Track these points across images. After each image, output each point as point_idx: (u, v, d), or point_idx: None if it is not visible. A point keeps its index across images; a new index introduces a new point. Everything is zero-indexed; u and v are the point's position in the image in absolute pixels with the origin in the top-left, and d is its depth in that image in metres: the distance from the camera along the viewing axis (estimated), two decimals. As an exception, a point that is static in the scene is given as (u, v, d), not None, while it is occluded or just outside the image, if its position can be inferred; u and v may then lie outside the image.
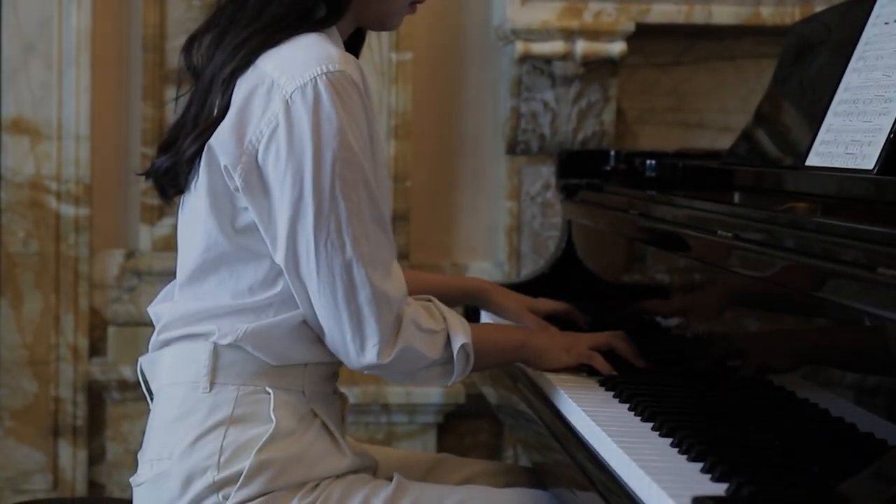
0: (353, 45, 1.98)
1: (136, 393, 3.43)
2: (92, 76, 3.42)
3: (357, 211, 1.78)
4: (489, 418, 3.49)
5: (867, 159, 1.92)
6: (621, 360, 2.07)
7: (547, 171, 3.42)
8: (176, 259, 3.38)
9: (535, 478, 2.04)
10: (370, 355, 1.80)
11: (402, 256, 3.38)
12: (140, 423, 3.32)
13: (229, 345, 1.83)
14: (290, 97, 1.76)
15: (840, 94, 2.10)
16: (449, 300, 2.08)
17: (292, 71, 1.77)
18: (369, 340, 1.80)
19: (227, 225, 1.83)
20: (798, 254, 1.60)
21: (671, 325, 2.18)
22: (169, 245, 3.46)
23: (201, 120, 1.84)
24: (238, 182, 1.80)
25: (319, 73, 1.76)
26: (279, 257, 1.81)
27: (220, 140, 1.80)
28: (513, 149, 3.45)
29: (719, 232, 1.84)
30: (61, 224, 3.44)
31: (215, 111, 1.82)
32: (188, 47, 1.92)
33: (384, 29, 1.99)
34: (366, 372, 1.86)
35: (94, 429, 3.49)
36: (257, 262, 1.84)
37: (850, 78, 2.09)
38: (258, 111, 1.79)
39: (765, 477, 1.46)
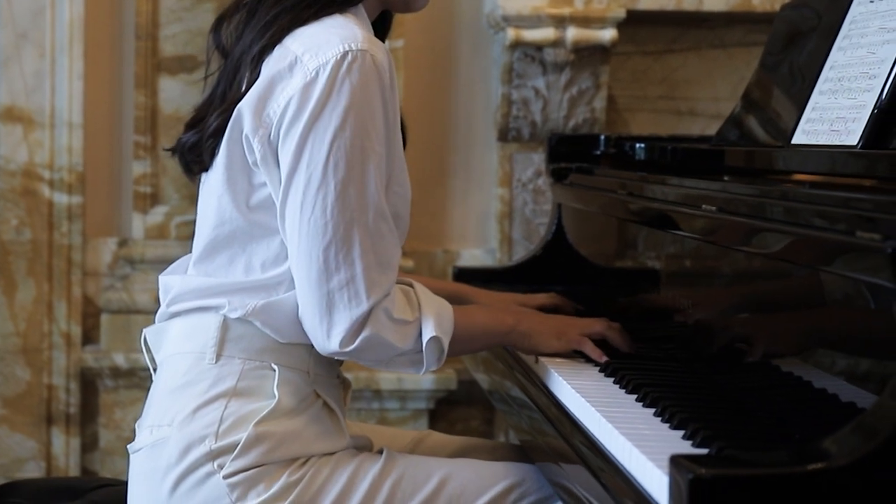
0: (380, 29, 1.99)
1: (129, 380, 3.44)
2: (85, 64, 3.43)
3: (348, 194, 1.77)
4: (481, 404, 3.51)
5: (852, 135, 1.93)
6: (612, 347, 2.05)
7: (538, 158, 3.43)
8: (168, 248, 3.41)
9: (522, 453, 2.05)
10: (334, 341, 1.79)
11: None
12: (133, 410, 3.34)
13: (238, 319, 1.84)
14: (310, 74, 1.77)
15: (825, 73, 2.11)
16: None
17: (316, 49, 1.79)
18: (336, 327, 1.78)
19: (241, 200, 1.85)
20: (787, 224, 1.61)
21: (658, 304, 2.18)
22: (162, 233, 3.48)
23: (229, 97, 1.87)
24: (257, 154, 1.81)
25: (342, 51, 1.77)
26: (281, 229, 1.83)
27: (243, 113, 1.82)
28: (504, 136, 3.46)
29: (703, 206, 1.85)
30: (54, 212, 3.45)
31: (243, 87, 1.84)
32: (217, 27, 1.95)
33: (409, 10, 1.99)
34: (335, 357, 1.86)
35: (86, 416, 3.49)
36: (270, 239, 1.85)
37: (836, 56, 2.10)
38: (280, 87, 1.80)
39: (746, 443, 1.47)
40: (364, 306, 1.79)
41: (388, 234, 1.82)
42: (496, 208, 3.50)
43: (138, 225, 3.50)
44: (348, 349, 1.80)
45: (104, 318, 3.49)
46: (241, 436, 1.80)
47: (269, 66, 1.82)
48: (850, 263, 1.43)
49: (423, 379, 3.44)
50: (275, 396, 1.83)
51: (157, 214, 3.49)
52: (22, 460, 3.46)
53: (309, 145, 1.77)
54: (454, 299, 2.27)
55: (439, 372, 3.45)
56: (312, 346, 1.84)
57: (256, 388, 1.84)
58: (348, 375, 3.33)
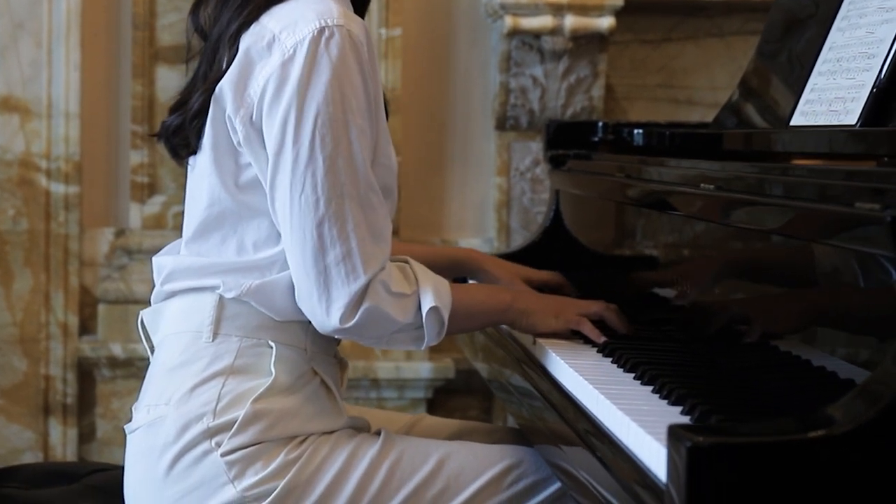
0: (358, 5, 1.98)
1: (127, 370, 3.43)
2: (82, 54, 3.41)
3: (337, 168, 1.77)
4: (479, 394, 3.50)
5: (850, 115, 1.92)
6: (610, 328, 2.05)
7: (536, 147, 3.42)
8: (165, 238, 3.39)
9: (519, 436, 2.04)
10: (334, 318, 1.78)
11: (392, 233, 3.37)
12: (130, 400, 3.32)
13: (234, 298, 1.84)
14: (288, 51, 1.77)
15: (824, 54, 2.10)
16: (437, 271, 2.07)
17: (293, 26, 1.79)
18: (335, 303, 1.77)
19: (229, 181, 1.84)
20: (786, 198, 1.60)
21: (657, 286, 2.18)
22: (159, 223, 3.47)
23: (210, 77, 1.86)
24: (240, 135, 1.81)
25: (318, 27, 1.77)
26: (272, 210, 1.82)
27: (224, 93, 1.82)
28: (502, 124, 3.45)
29: (702, 185, 1.84)
30: (51, 202, 3.44)
31: (223, 67, 1.84)
32: (195, 9, 1.95)
33: None
34: (336, 335, 1.84)
35: (84, 407, 3.48)
36: (260, 219, 1.84)
37: (835, 37, 2.09)
38: (259, 66, 1.80)
39: (746, 417, 1.46)
40: (362, 280, 1.78)
41: (378, 206, 1.81)
42: (494, 197, 3.49)
43: (135, 215, 3.49)
44: (349, 325, 1.78)
45: (101, 308, 3.48)
46: (239, 413, 1.80)
47: (248, 45, 1.81)
48: (850, 235, 1.42)
49: (421, 367, 3.43)
50: (272, 374, 1.82)
51: (155, 204, 3.48)
52: (19, 451, 3.44)
53: (293, 123, 1.76)
54: (461, 264, 2.29)
55: (437, 360, 3.44)
56: (309, 322, 1.83)
57: (254, 365, 1.83)
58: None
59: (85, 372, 3.47)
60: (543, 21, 3.30)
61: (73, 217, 3.44)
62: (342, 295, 1.77)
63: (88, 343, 3.46)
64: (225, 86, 1.81)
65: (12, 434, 3.45)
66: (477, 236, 3.54)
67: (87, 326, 3.50)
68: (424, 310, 1.83)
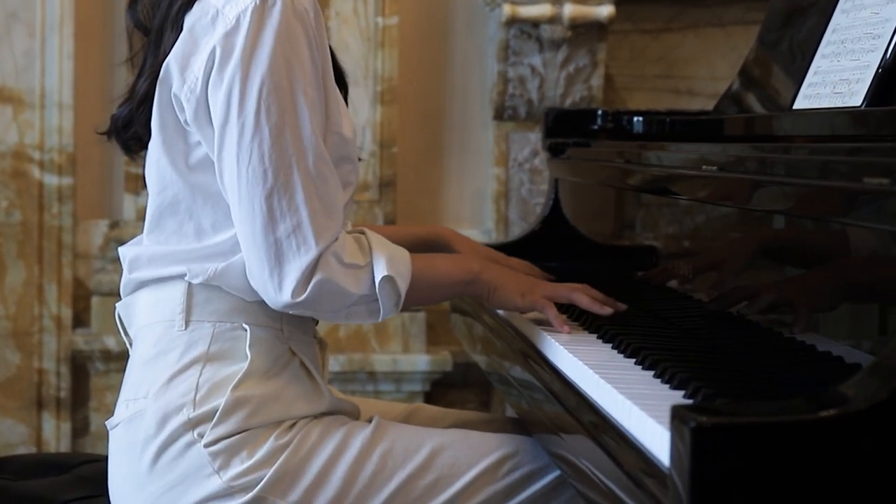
0: None
1: (121, 364, 3.36)
2: (75, 44, 3.39)
3: (284, 138, 1.72)
4: (477, 387, 3.47)
5: (855, 96, 1.88)
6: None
7: (535, 138, 3.39)
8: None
9: (518, 426, 2.00)
10: (286, 292, 1.73)
11: (388, 223, 3.35)
12: (124, 393, 3.29)
13: (202, 284, 1.80)
14: (231, 23, 1.73)
15: (828, 37, 2.06)
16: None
17: None
18: (287, 277, 1.73)
19: (180, 162, 1.80)
20: (790, 177, 1.57)
21: (659, 273, 2.14)
22: (153, 215, 3.43)
23: (155, 62, 1.82)
24: (188, 113, 1.77)
25: None
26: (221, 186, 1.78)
27: (170, 72, 1.77)
28: (500, 114, 3.42)
29: (704, 167, 1.81)
30: (45, 194, 3.40)
31: (168, 49, 1.80)
32: (132, 5, 1.90)
33: None
34: (290, 311, 1.78)
35: (77, 400, 3.45)
36: (215, 201, 1.80)
37: (838, 19, 2.06)
38: (203, 41, 1.76)
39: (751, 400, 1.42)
40: (313, 252, 1.73)
41: (330, 178, 1.77)
42: (492, 188, 3.46)
43: (129, 207, 3.46)
44: (300, 299, 1.73)
45: (95, 300, 3.44)
46: (220, 402, 1.76)
47: (192, 23, 1.77)
48: (858, 211, 1.38)
49: (418, 360, 3.40)
50: (248, 358, 1.78)
51: (149, 196, 3.44)
52: (12, 445, 3.41)
53: (237, 94, 1.72)
54: (428, 242, 2.22)
55: (434, 353, 3.41)
56: None
57: (230, 350, 1.80)
58: (340, 357, 3.33)
59: (79, 365, 3.43)
60: (542, 9, 3.27)
61: (66, 209, 3.41)
62: (293, 269, 1.72)
63: (82, 336, 3.42)
64: (170, 64, 1.77)
65: (5, 428, 3.42)
66: (475, 228, 3.51)
67: (80, 319, 3.46)
68: (377, 279, 1.78)
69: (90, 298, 3.45)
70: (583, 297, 1.95)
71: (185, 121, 1.78)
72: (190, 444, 1.76)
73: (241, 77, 1.72)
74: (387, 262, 1.79)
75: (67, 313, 3.42)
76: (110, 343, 3.38)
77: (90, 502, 2.00)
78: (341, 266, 1.75)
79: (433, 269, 1.89)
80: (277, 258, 1.72)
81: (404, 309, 1.87)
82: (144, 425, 1.78)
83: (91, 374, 3.43)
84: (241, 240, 1.75)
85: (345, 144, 1.83)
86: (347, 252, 1.77)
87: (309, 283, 1.73)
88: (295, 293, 1.73)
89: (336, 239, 1.76)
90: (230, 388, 1.76)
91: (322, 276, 1.73)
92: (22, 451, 3.40)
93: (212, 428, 1.75)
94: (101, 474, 2.01)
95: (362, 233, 1.84)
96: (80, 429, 3.45)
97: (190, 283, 1.80)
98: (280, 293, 1.73)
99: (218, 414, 1.75)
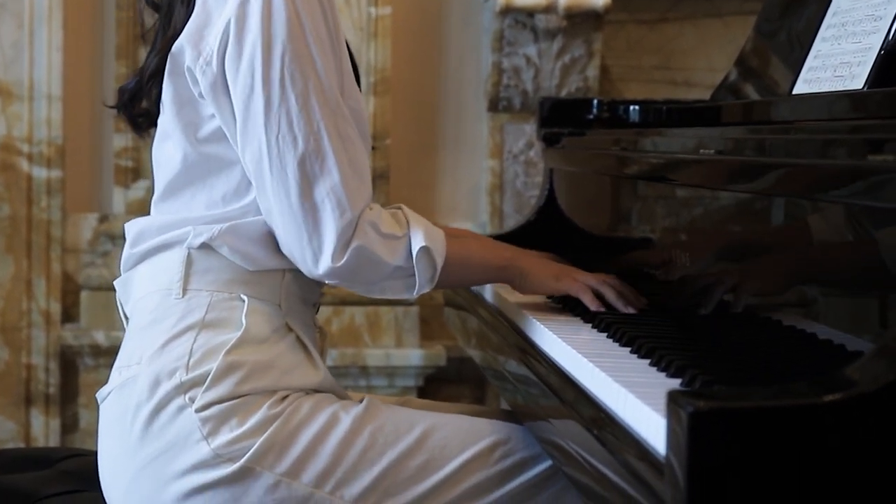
0: None
1: (110, 359, 3.32)
2: (64, 35, 3.36)
3: (310, 104, 1.73)
4: (471, 382, 3.44)
5: (856, 79, 1.84)
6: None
7: (530, 129, 3.36)
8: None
9: (510, 416, 1.96)
10: (326, 256, 1.73)
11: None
12: (114, 389, 3.25)
13: (203, 249, 1.78)
14: None
15: (828, 20, 2.02)
16: None
17: None
18: (325, 241, 1.73)
19: (192, 134, 1.81)
20: (790, 156, 1.53)
21: (655, 261, 2.11)
22: (143, 208, 3.39)
23: (166, 37, 1.83)
24: (202, 86, 1.77)
25: None
26: (243, 160, 1.78)
27: (184, 47, 1.78)
28: (495, 106, 3.38)
29: (701, 151, 1.77)
30: (33, 186, 3.37)
31: (179, 26, 1.81)
32: None
33: None
34: (327, 280, 1.79)
35: (66, 396, 3.41)
36: (228, 171, 1.80)
37: (839, 2, 2.02)
38: (216, 14, 1.77)
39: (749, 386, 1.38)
40: (349, 214, 1.73)
41: (356, 140, 1.78)
42: (486, 181, 3.43)
43: (119, 200, 3.43)
44: (340, 264, 1.73)
45: (84, 295, 3.40)
46: (212, 366, 1.74)
47: None
48: (862, 191, 1.33)
49: (412, 355, 3.37)
50: (243, 325, 1.76)
51: (139, 189, 3.42)
52: (1, 442, 3.37)
53: (259, 65, 1.73)
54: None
55: (428, 347, 3.38)
56: (284, 276, 1.80)
57: (226, 319, 1.78)
58: (333, 353, 3.29)
59: (68, 360, 3.40)
60: (537, -2, 3.23)
61: (55, 202, 3.38)
62: (331, 230, 1.73)
63: (71, 331, 3.39)
64: (184, 40, 1.78)
65: (-7, 425, 3.38)
66: (469, 220, 3.48)
67: (69, 314, 3.42)
68: (415, 250, 1.78)
69: (79, 293, 3.41)
70: (610, 290, 1.95)
71: (200, 94, 1.78)
72: (181, 409, 1.73)
73: (263, 46, 1.72)
74: (424, 234, 1.80)
75: (56, 308, 3.38)
76: (100, 338, 3.35)
77: (75, 497, 1.97)
78: (378, 235, 1.76)
79: (468, 251, 1.91)
80: (315, 223, 1.73)
81: (436, 288, 1.87)
82: (137, 390, 1.75)
83: (80, 370, 3.39)
84: (275, 211, 1.75)
85: (359, 118, 1.83)
86: (384, 223, 1.78)
87: (347, 248, 1.74)
88: (335, 257, 1.73)
89: (371, 207, 1.77)
90: (223, 353, 1.74)
91: (359, 244, 1.74)
92: (10, 447, 3.37)
93: (203, 392, 1.73)
94: (86, 469, 1.98)
95: (399, 208, 1.85)
96: (70, 425, 3.42)
97: (190, 252, 1.79)
98: (321, 257, 1.74)
99: (210, 378, 1.73)
